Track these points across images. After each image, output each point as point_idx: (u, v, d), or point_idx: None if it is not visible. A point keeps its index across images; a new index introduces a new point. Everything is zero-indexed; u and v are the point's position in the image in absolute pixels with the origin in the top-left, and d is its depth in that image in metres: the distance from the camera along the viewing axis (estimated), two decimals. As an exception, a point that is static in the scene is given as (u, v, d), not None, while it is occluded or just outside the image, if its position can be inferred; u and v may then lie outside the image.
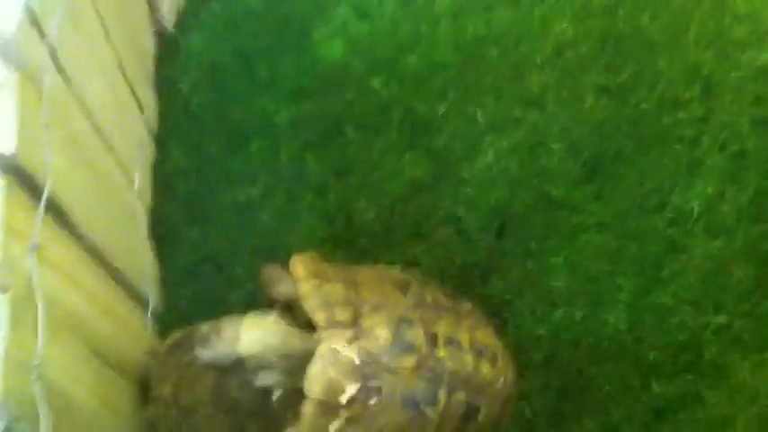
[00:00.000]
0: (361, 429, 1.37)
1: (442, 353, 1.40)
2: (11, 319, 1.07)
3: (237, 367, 1.44)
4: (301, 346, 1.41)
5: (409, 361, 1.37)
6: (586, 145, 1.96)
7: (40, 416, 1.11)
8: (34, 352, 1.13)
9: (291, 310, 1.48)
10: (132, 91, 1.86)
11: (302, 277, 1.45)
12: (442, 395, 1.39)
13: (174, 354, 1.57)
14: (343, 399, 1.34)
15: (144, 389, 1.54)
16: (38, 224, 1.19)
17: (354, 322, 1.39)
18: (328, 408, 1.35)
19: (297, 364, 1.40)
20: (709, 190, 1.90)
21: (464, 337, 1.44)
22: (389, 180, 1.94)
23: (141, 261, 1.72)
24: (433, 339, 1.41)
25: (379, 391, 1.36)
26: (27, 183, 1.20)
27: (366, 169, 1.96)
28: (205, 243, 1.89)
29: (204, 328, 1.47)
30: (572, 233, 1.87)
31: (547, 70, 2.07)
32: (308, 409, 1.35)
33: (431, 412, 1.38)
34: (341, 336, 1.37)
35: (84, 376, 1.31)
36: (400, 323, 1.40)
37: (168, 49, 2.12)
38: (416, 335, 1.39)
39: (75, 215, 1.35)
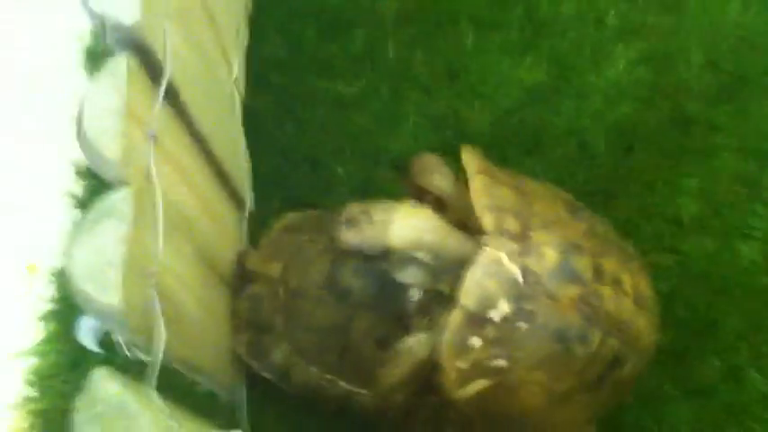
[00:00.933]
0: (503, 351, 1.20)
1: (606, 291, 1.23)
2: (133, 217, 0.92)
3: (381, 257, 1.27)
4: (458, 247, 1.23)
5: (573, 291, 1.20)
6: (729, 59, 1.76)
7: (156, 329, 0.97)
8: (150, 255, 0.98)
9: (442, 210, 1.32)
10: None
11: (475, 171, 1.25)
12: (596, 336, 1.22)
13: (288, 235, 1.46)
14: (495, 315, 1.17)
15: (240, 276, 1.42)
16: (158, 107, 1.02)
17: (523, 235, 1.20)
18: (476, 321, 1.18)
19: (447, 267, 1.24)
20: None
21: (628, 281, 1.27)
22: (507, 85, 1.75)
23: (239, 157, 1.56)
24: (599, 274, 1.23)
25: (533, 315, 1.18)
26: (146, 59, 1.03)
27: (481, 71, 1.77)
28: (300, 140, 1.72)
29: (354, 209, 1.28)
30: (708, 154, 1.68)
31: (688, -30, 1.85)
32: (455, 317, 1.17)
33: (580, 351, 1.22)
34: (507, 246, 1.18)
35: (194, 284, 1.17)
36: (570, 247, 1.21)
37: None
38: (585, 264, 1.22)
39: (188, 99, 1.18)
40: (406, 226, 1.26)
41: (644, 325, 1.29)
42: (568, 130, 1.71)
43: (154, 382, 0.94)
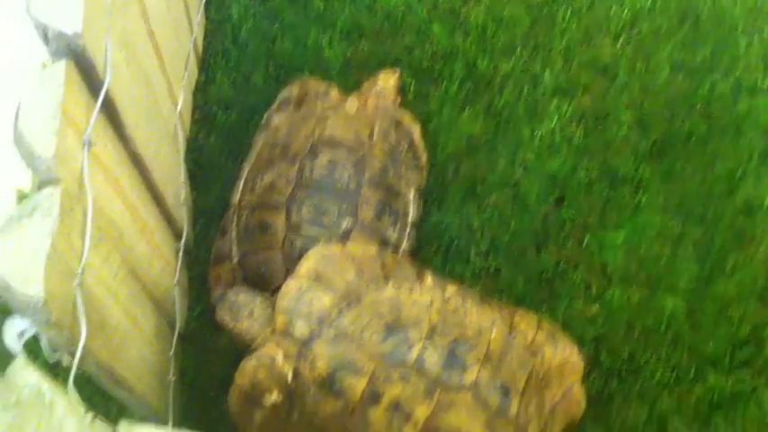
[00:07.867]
0: (284, 426, 1.35)
1: (377, 414, 1.29)
2: (60, 214, 0.94)
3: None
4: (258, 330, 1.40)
5: (332, 405, 1.30)
6: (657, 121, 1.85)
7: (81, 327, 0.98)
8: (77, 256, 1.01)
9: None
10: (185, 7, 1.72)
11: (300, 274, 1.38)
12: None
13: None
14: (268, 401, 1.33)
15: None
16: (95, 114, 1.05)
17: (307, 342, 1.32)
18: (252, 399, 1.34)
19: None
20: (782, 182, 1.79)
21: (422, 412, 1.28)
22: (445, 134, 1.82)
23: (177, 186, 1.59)
24: (375, 397, 1.29)
25: (303, 407, 1.32)
26: (86, 70, 1.07)
27: (421, 120, 1.83)
28: (242, 178, 1.76)
29: (241, 297, 1.44)
30: (634, 211, 1.75)
31: (621, 39, 1.95)
32: (233, 393, 1.34)
33: None
34: (286, 348, 1.33)
35: (122, 295, 1.18)
36: (345, 366, 1.30)
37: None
38: (356, 385, 1.29)
39: (126, 117, 1.22)
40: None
41: None
42: (502, 179, 1.77)
43: (73, 374, 0.94)
